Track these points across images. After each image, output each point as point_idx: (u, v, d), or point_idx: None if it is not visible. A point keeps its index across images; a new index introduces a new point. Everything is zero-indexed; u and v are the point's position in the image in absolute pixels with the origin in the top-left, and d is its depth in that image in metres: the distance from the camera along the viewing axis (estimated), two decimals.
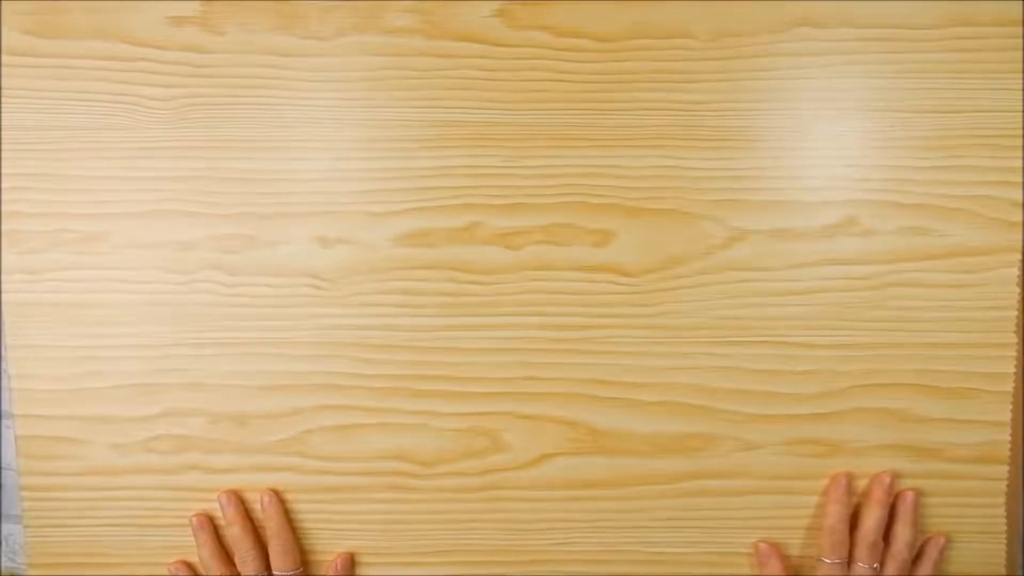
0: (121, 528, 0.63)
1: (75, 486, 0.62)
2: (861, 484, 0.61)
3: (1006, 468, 0.61)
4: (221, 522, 0.62)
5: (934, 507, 0.61)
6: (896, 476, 0.60)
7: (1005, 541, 0.62)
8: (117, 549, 0.63)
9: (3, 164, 0.59)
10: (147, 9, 0.58)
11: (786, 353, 0.60)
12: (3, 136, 0.59)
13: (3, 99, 0.59)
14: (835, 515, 0.59)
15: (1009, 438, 0.60)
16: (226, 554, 0.62)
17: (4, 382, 0.63)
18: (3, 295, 0.60)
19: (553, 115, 0.59)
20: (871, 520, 0.58)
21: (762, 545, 0.61)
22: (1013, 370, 0.60)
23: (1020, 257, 0.59)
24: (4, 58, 0.58)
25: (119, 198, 0.60)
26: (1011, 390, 0.60)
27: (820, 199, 0.59)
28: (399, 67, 0.58)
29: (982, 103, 0.58)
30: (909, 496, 0.60)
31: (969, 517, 0.62)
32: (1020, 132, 0.58)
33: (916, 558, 0.60)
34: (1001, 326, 0.60)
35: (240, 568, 0.61)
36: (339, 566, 0.62)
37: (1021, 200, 0.58)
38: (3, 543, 0.71)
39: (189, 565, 0.62)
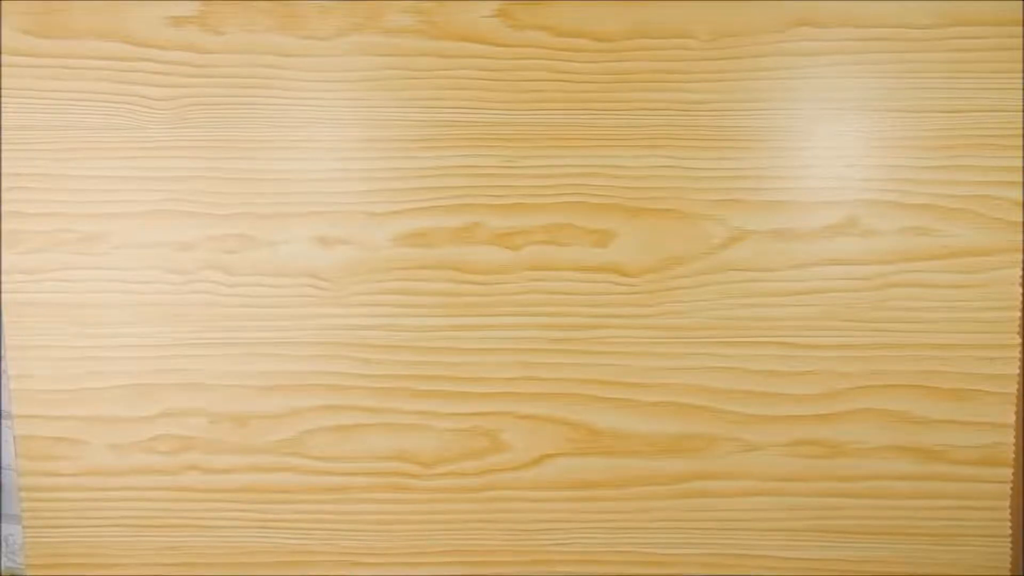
0: (120, 528, 0.63)
1: (74, 486, 0.62)
2: (863, 485, 0.61)
3: (1010, 471, 0.60)
4: None
5: (937, 510, 0.61)
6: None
7: (1010, 543, 0.61)
8: (116, 549, 0.63)
9: (3, 164, 0.59)
10: (147, 9, 0.58)
11: (787, 354, 0.60)
12: (3, 136, 0.59)
13: (3, 99, 0.59)
14: None
15: (1013, 440, 0.60)
16: None
17: (4, 382, 0.63)
18: (3, 295, 0.60)
19: (553, 115, 0.59)
20: None
21: None
22: (1016, 371, 0.60)
23: (1022, 257, 0.59)
24: (4, 58, 0.59)
25: (119, 198, 0.60)
26: (1014, 392, 0.60)
27: (821, 199, 0.59)
28: (399, 67, 0.59)
29: (982, 103, 0.58)
30: None
31: (973, 520, 0.61)
32: (1020, 132, 0.58)
33: None
34: (1004, 327, 0.59)
35: None
36: None
37: (1022, 200, 0.58)
38: (3, 543, 0.71)
39: None
